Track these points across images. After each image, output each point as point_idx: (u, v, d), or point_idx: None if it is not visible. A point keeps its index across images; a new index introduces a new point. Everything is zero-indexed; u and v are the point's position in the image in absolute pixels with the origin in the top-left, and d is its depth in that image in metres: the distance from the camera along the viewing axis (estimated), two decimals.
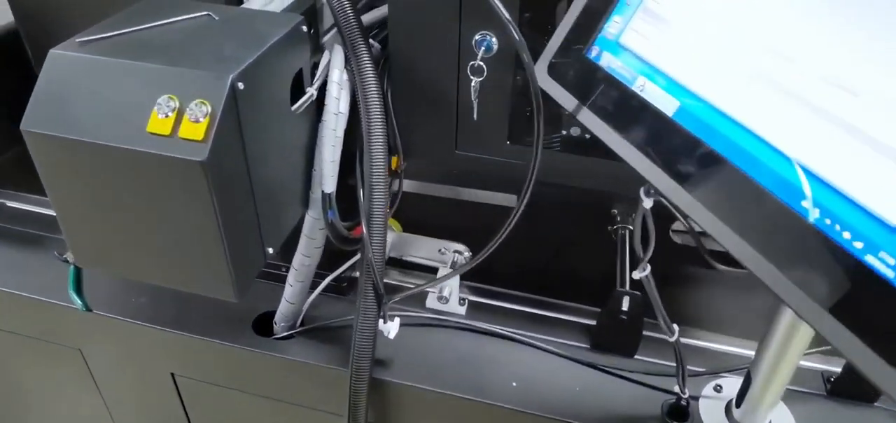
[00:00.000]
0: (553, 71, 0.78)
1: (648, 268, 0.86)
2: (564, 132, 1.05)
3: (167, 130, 0.78)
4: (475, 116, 1.00)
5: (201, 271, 0.88)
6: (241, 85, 0.80)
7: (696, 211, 0.59)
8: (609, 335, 1.14)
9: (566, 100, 0.74)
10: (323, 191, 1.01)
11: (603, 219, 1.34)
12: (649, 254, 0.83)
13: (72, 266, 1.23)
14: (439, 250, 1.31)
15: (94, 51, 0.84)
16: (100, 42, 0.86)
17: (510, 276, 1.31)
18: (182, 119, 0.78)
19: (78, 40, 0.86)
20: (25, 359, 1.41)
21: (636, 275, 0.86)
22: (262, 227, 0.92)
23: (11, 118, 1.48)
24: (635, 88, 0.68)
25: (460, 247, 1.29)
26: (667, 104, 0.64)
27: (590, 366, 1.12)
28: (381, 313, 1.06)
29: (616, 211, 1.30)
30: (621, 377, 1.11)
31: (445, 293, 1.21)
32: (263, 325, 1.21)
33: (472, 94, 0.97)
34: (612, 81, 0.70)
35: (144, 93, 0.80)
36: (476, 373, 1.12)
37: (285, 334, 1.19)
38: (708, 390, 1.07)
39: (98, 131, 0.80)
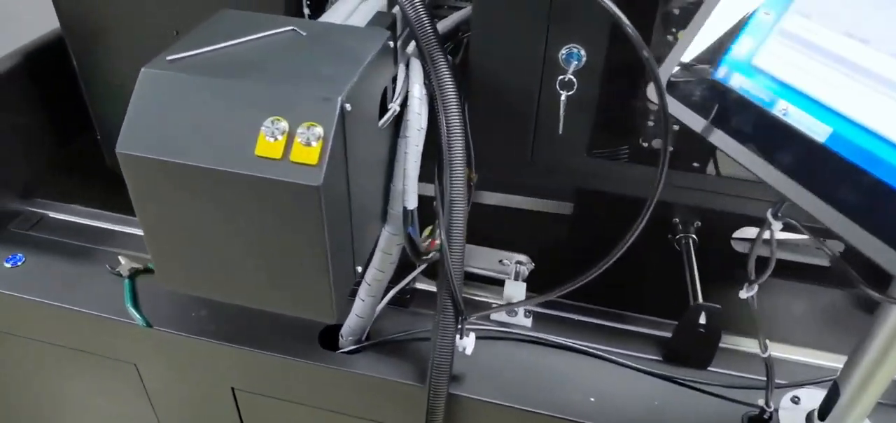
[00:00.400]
0: (671, 90, 0.76)
1: (755, 288, 0.85)
2: (646, 144, 1.04)
3: (278, 154, 0.76)
4: (561, 129, 0.99)
5: (301, 294, 0.86)
6: (348, 106, 0.78)
7: (861, 240, 0.58)
8: (684, 348, 1.13)
9: (691, 120, 0.73)
10: (405, 207, 0.99)
11: (661, 227, 1.33)
12: (765, 276, 0.82)
13: (127, 280, 1.21)
14: (500, 261, 1.29)
15: (190, 70, 0.81)
16: (192, 60, 0.83)
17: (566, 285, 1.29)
18: (293, 142, 0.76)
19: (168, 58, 0.83)
20: (77, 374, 1.38)
21: (743, 295, 0.86)
22: (354, 246, 0.90)
23: (53, 126, 1.46)
24: (777, 111, 0.66)
25: (522, 257, 1.28)
26: (817, 130, 0.63)
27: (668, 380, 1.11)
28: (459, 329, 1.05)
29: (677, 220, 1.30)
30: (700, 390, 1.10)
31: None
32: (327, 338, 1.19)
33: (561, 107, 0.96)
34: (746, 104, 0.69)
35: (250, 114, 0.77)
36: (552, 388, 1.11)
37: (352, 348, 1.17)
38: (785, 401, 1.07)
39: (203, 155, 0.77)
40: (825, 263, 1.33)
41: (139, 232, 1.32)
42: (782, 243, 1.33)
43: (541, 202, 1.46)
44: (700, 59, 0.74)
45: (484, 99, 1.03)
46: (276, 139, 0.76)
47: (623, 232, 1.31)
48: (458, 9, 1.20)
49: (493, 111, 1.04)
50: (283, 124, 0.76)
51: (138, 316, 1.18)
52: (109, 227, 1.40)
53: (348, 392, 1.17)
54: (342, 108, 0.77)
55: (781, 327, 1.26)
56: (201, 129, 0.78)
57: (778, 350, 1.20)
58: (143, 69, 0.81)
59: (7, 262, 1.30)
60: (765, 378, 1.11)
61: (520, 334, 1.18)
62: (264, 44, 0.88)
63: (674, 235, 1.29)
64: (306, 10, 1.16)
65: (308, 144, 0.75)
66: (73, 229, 1.39)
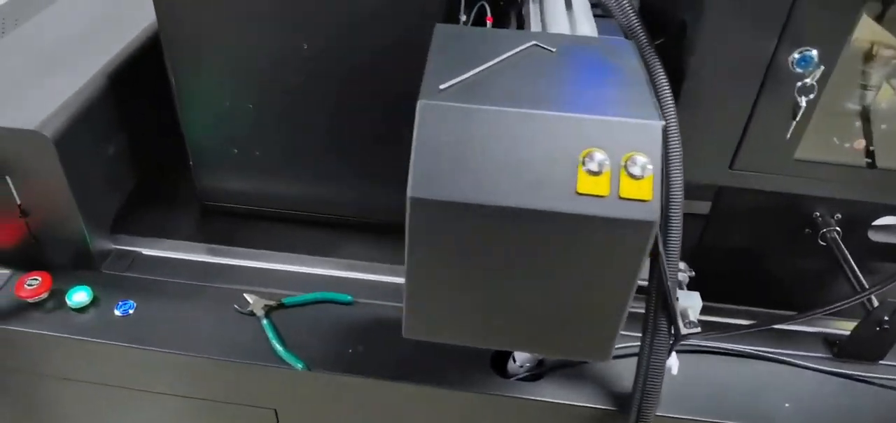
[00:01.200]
0: None
1: None
2: (848, 145, 1.02)
3: (605, 190, 0.69)
4: (788, 135, 0.96)
5: (585, 334, 0.81)
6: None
7: None
8: (861, 345, 1.13)
9: None
10: None
11: (800, 222, 1.32)
12: None
13: (266, 321, 1.11)
14: None
15: (476, 100, 0.73)
16: (465, 87, 0.75)
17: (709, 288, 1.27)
18: (619, 176, 0.69)
19: (441, 87, 0.74)
20: None
21: None
22: None
23: (138, 154, 1.31)
24: None
25: (680, 264, 1.24)
26: None
27: (854, 379, 1.11)
28: (670, 349, 1.01)
29: (818, 214, 1.29)
30: (887, 386, 1.11)
31: (692, 317, 1.16)
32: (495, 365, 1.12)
33: (798, 113, 0.93)
34: None
35: (563, 147, 0.71)
36: (748, 399, 1.09)
37: (528, 374, 1.11)
38: None
39: (518, 195, 0.70)
40: None
41: (251, 264, 1.23)
42: None
43: None
44: None
45: (692, 106, 0.98)
46: (598, 173, 0.69)
47: (765, 230, 1.31)
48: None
49: (700, 118, 0.99)
50: (603, 156, 0.70)
51: (295, 359, 1.08)
52: (215, 260, 1.27)
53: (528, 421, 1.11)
54: (663, 132, 0.71)
55: None
56: (507, 165, 0.71)
57: None
58: (421, 101, 0.72)
59: (117, 310, 1.16)
60: None
61: (725, 348, 1.14)
62: (523, 64, 0.80)
63: (814, 229, 1.28)
64: (463, 16, 1.08)
65: (636, 177, 0.69)
66: (175, 267, 1.26)
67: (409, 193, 0.70)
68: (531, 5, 1.03)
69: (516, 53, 0.81)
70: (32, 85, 1.16)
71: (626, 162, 0.70)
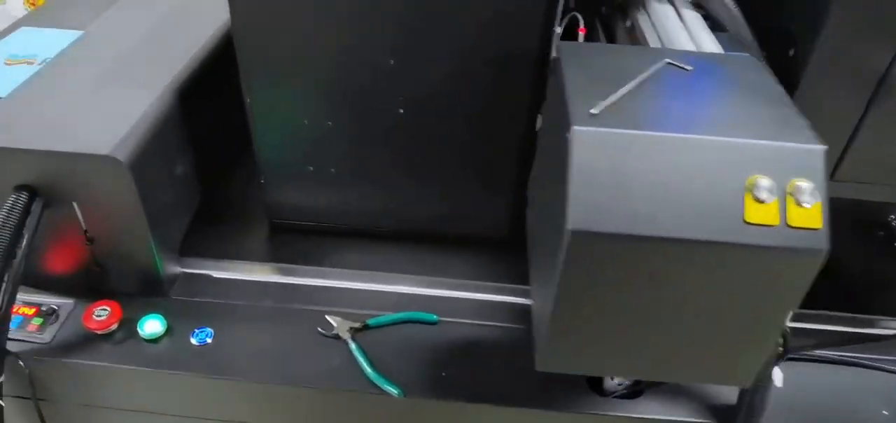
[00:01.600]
0: None
1: None
2: None
3: (774, 219, 0.68)
4: None
5: (731, 360, 0.79)
6: None
7: None
8: None
9: None
10: None
11: (872, 226, 1.33)
12: None
13: (354, 345, 1.08)
14: None
15: (632, 125, 0.71)
16: (617, 111, 0.73)
17: None
18: (787, 204, 0.68)
19: (592, 112, 0.72)
20: None
21: None
22: None
23: (204, 173, 1.27)
24: None
25: None
26: None
27: None
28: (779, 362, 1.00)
29: (893, 218, 1.30)
30: None
31: None
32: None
33: None
34: None
35: (728, 173, 0.69)
36: (846, 407, 1.09)
37: (625, 392, 1.09)
38: None
39: (685, 225, 0.68)
40: None
41: (328, 283, 1.19)
42: None
43: None
44: None
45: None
46: (767, 202, 0.68)
47: (839, 234, 1.30)
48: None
49: None
50: (770, 183, 0.68)
51: (389, 385, 1.05)
52: (291, 280, 1.24)
53: None
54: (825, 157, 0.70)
55: None
56: (670, 194, 0.69)
57: None
58: (575, 128, 0.70)
59: (193, 338, 1.12)
60: None
61: (821, 355, 1.13)
62: (664, 83, 0.78)
63: (888, 232, 1.29)
64: (557, 28, 1.05)
65: (804, 204, 0.68)
66: (249, 289, 1.22)
67: (569, 225, 0.68)
68: (640, 18, 1.00)
69: (657, 71, 0.79)
70: (99, 104, 1.11)
71: (792, 189, 0.68)
